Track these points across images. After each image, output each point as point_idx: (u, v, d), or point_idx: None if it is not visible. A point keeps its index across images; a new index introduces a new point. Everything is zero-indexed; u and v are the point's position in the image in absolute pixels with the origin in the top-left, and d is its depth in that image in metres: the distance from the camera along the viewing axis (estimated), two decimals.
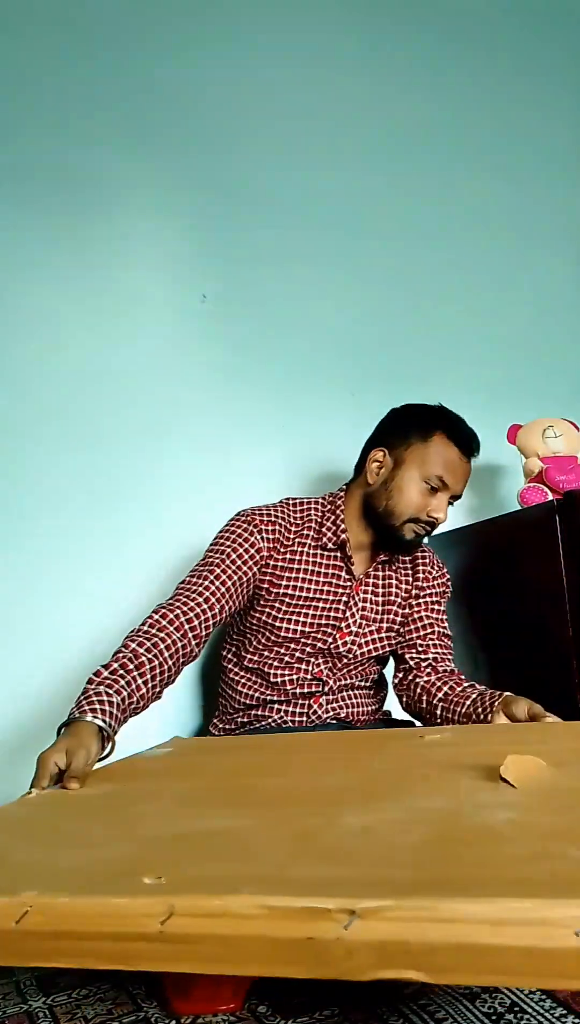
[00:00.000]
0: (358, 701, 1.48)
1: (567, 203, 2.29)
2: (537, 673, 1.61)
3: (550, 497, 1.65)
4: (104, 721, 1.09)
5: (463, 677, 1.45)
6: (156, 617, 1.28)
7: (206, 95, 1.93)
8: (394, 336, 2.02)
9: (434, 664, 1.47)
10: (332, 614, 1.42)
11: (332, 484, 1.89)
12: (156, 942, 0.53)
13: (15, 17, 1.76)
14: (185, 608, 1.29)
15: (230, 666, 1.49)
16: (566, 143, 2.33)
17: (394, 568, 1.49)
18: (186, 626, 1.27)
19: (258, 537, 1.39)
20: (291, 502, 1.47)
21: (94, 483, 1.69)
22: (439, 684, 1.42)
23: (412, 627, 1.48)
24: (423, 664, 1.46)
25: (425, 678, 1.45)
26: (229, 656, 1.50)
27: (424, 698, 1.43)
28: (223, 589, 1.33)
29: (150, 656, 1.22)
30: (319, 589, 1.41)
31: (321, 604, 1.41)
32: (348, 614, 1.43)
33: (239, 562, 1.36)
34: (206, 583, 1.33)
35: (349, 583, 1.43)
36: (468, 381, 2.07)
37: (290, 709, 1.43)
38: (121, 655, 1.21)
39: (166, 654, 1.24)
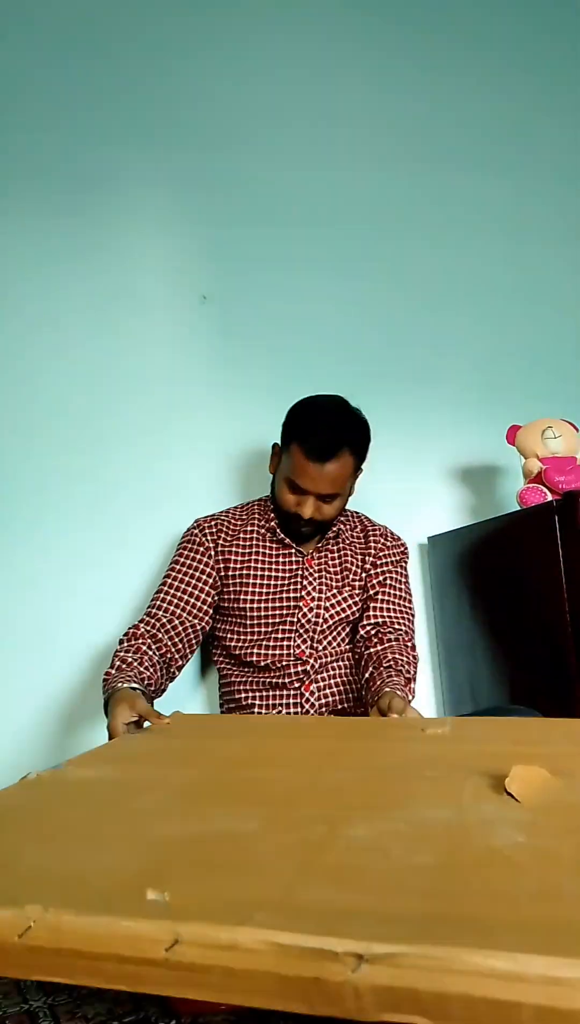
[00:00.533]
0: (342, 680, 1.52)
1: (567, 203, 2.30)
2: (537, 673, 1.61)
3: (549, 498, 1.66)
4: (138, 686, 1.27)
5: (402, 651, 1.48)
6: (124, 640, 1.42)
7: (207, 95, 1.93)
8: (394, 336, 2.03)
9: (379, 634, 1.51)
10: (290, 585, 1.51)
11: None
12: (161, 968, 0.52)
13: (17, 17, 1.77)
14: (148, 626, 1.45)
15: (221, 663, 1.56)
16: (566, 143, 2.33)
17: (345, 541, 1.58)
18: (154, 640, 1.43)
19: (204, 536, 1.54)
20: (237, 505, 1.64)
21: (94, 482, 1.70)
22: (380, 651, 1.48)
23: (368, 597, 1.55)
24: (371, 635, 1.51)
25: (371, 649, 1.49)
26: (219, 654, 1.57)
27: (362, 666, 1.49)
28: (179, 594, 1.49)
29: (141, 656, 1.37)
30: (271, 565, 1.52)
31: (277, 578, 1.52)
32: (305, 583, 1.52)
33: (191, 563, 1.52)
34: (161, 596, 1.49)
35: (299, 558, 1.53)
36: (468, 381, 2.07)
37: (284, 701, 1.48)
38: (115, 658, 1.37)
39: (155, 657, 1.40)
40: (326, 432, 1.42)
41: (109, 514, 1.70)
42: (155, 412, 1.77)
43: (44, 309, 1.72)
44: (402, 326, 2.04)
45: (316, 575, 1.53)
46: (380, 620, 1.53)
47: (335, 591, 1.54)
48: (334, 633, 1.53)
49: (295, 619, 1.50)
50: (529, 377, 2.12)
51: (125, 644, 1.41)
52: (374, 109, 2.11)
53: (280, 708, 1.48)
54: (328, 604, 1.52)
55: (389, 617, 1.53)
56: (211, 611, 1.51)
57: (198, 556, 1.52)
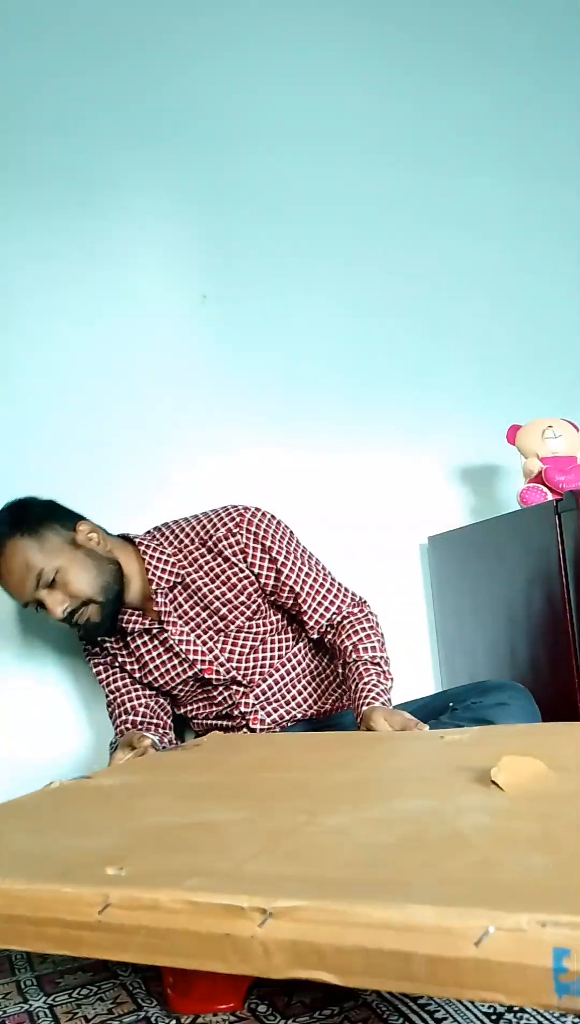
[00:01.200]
0: (292, 691, 1.43)
1: (567, 203, 2.29)
2: (538, 673, 1.61)
3: (550, 497, 1.66)
4: (149, 735, 1.29)
5: (354, 622, 1.37)
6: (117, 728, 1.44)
7: (207, 95, 1.93)
8: (394, 336, 2.03)
9: (326, 625, 1.39)
10: (165, 660, 1.41)
11: (330, 483, 1.90)
12: (97, 931, 0.56)
13: (18, 18, 1.77)
14: (122, 719, 1.44)
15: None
16: (566, 142, 2.33)
17: (190, 574, 1.38)
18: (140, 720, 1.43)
19: (98, 657, 1.49)
20: None
21: (94, 482, 1.69)
22: (339, 644, 1.37)
23: (285, 600, 1.39)
24: (320, 630, 1.40)
25: (331, 639, 1.40)
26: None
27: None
28: (122, 697, 1.46)
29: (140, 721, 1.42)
30: (142, 657, 1.43)
31: (149, 659, 1.42)
32: (180, 649, 1.39)
33: (101, 672, 1.48)
34: (111, 701, 1.48)
35: (154, 626, 1.40)
36: (468, 381, 2.07)
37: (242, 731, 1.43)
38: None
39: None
40: None
41: (108, 514, 1.70)
42: (155, 412, 1.77)
43: (44, 309, 1.72)
44: (402, 326, 2.04)
45: (187, 639, 1.38)
46: (309, 612, 1.38)
47: (222, 640, 1.39)
48: (252, 663, 1.41)
49: (208, 691, 1.42)
50: (529, 377, 2.12)
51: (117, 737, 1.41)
52: (374, 109, 2.11)
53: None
54: (228, 658, 1.39)
55: (313, 606, 1.37)
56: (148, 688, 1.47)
57: (109, 672, 1.48)
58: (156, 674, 1.42)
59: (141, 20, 1.89)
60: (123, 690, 1.45)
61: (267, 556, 1.36)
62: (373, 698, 1.24)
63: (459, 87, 2.21)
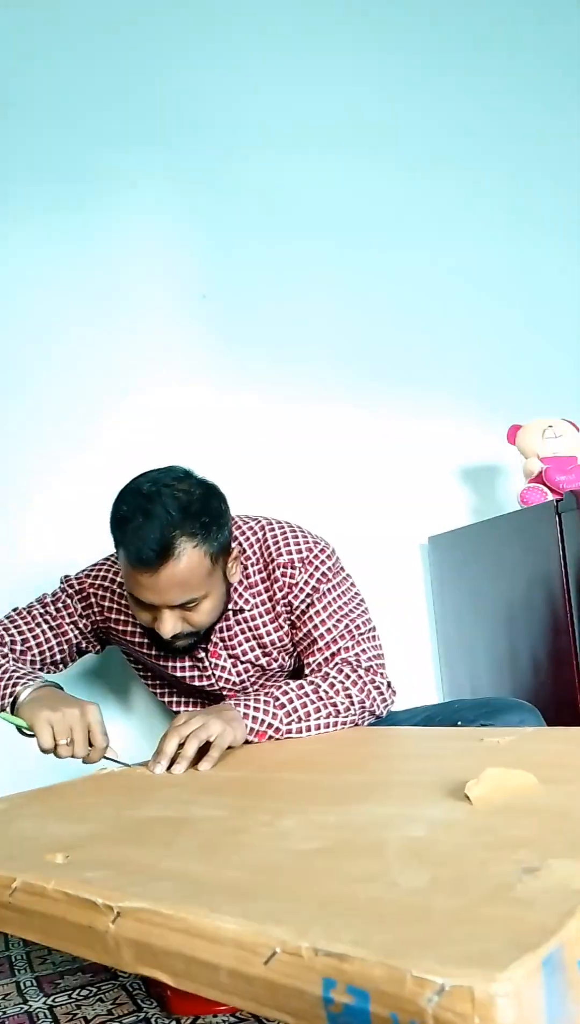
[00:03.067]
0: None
1: (568, 203, 2.29)
2: (538, 673, 1.61)
3: (550, 497, 1.65)
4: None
5: (332, 674, 1.19)
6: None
7: (207, 94, 1.93)
8: (394, 336, 2.02)
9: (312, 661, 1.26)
10: (200, 685, 1.28)
11: (330, 484, 1.89)
12: (9, 910, 0.62)
13: (15, 15, 1.76)
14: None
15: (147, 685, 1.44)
16: (567, 142, 2.33)
17: (249, 601, 1.24)
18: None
19: (89, 607, 1.33)
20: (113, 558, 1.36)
21: (93, 482, 1.69)
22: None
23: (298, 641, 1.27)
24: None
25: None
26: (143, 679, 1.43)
27: None
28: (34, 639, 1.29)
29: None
30: (173, 665, 1.29)
31: (183, 676, 1.28)
32: (220, 682, 1.27)
33: (48, 620, 1.31)
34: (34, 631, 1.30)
35: (201, 657, 1.26)
36: (468, 382, 2.07)
37: None
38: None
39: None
40: (147, 527, 1.07)
41: (106, 514, 1.70)
42: (154, 411, 1.77)
43: (43, 308, 1.72)
44: (402, 326, 2.04)
45: (227, 665, 1.27)
46: (302, 648, 1.26)
47: (256, 673, 1.29)
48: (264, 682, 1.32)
49: (213, 699, 1.30)
50: (529, 377, 2.12)
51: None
52: (374, 110, 2.11)
53: None
54: (249, 686, 1.29)
55: (310, 645, 1.24)
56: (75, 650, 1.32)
57: (59, 618, 1.29)
58: (165, 674, 1.33)
59: (141, 19, 1.88)
60: (53, 640, 1.28)
61: (307, 594, 1.23)
62: (242, 703, 1.11)
63: (459, 87, 2.21)
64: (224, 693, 1.29)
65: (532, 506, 1.64)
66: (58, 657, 1.30)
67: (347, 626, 1.23)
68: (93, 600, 1.30)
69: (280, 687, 1.14)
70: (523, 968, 0.37)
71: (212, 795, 0.88)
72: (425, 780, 0.81)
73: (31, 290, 1.72)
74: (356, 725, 1.18)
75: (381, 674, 1.23)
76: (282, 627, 1.26)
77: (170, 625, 1.12)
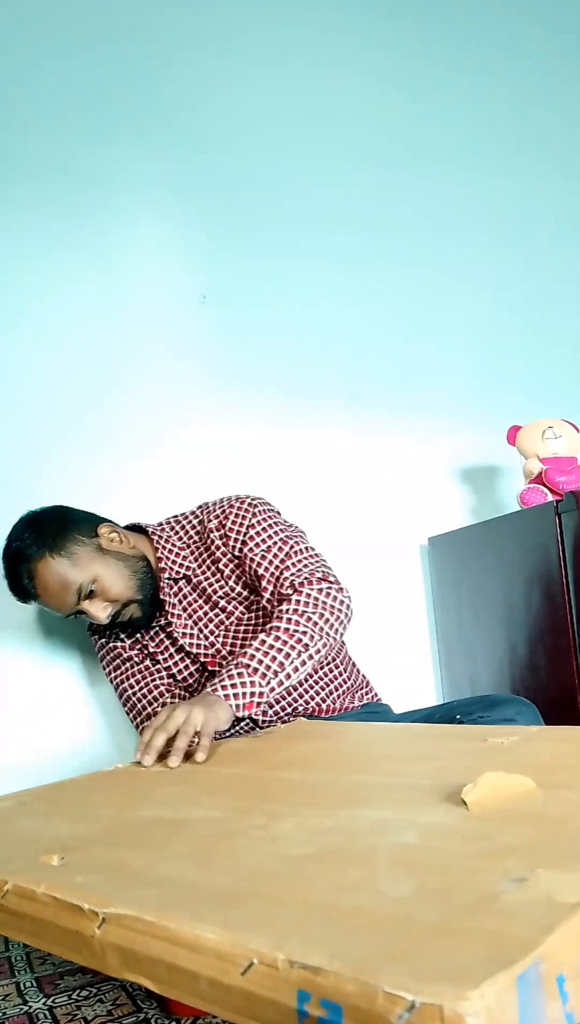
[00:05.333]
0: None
1: (569, 202, 2.29)
2: (538, 673, 1.61)
3: (550, 498, 1.65)
4: None
5: (299, 597, 1.25)
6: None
7: (207, 95, 1.93)
8: (394, 337, 2.02)
9: (277, 596, 1.32)
10: (182, 669, 1.41)
11: (330, 485, 1.90)
12: (1, 912, 0.63)
13: (16, 16, 1.76)
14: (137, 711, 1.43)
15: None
16: (566, 142, 2.33)
17: (188, 558, 1.39)
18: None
19: (105, 652, 1.47)
20: None
21: (92, 483, 1.69)
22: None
23: (251, 578, 1.36)
24: (272, 602, 1.35)
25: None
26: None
27: None
28: (125, 688, 1.44)
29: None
30: (154, 664, 1.42)
31: (170, 669, 1.41)
32: (187, 647, 1.39)
33: (111, 672, 1.47)
34: (124, 700, 1.45)
35: (161, 619, 1.41)
36: (468, 382, 2.07)
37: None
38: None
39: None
40: (9, 572, 1.32)
41: (107, 514, 1.70)
42: (154, 412, 1.77)
43: (43, 308, 1.72)
44: (402, 326, 2.04)
45: (187, 632, 1.40)
46: (263, 582, 1.32)
47: (219, 626, 1.39)
48: (245, 638, 1.39)
49: (206, 675, 1.40)
50: (529, 377, 2.12)
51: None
52: (373, 108, 2.11)
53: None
54: (225, 642, 1.39)
55: (266, 577, 1.32)
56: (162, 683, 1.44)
57: (107, 664, 1.47)
58: (164, 668, 1.42)
59: (141, 20, 1.88)
60: (137, 685, 1.43)
61: (242, 535, 1.35)
62: (217, 685, 1.15)
63: (460, 85, 2.21)
64: (202, 661, 1.38)
65: (532, 507, 1.64)
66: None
67: (282, 548, 1.32)
68: (97, 641, 1.48)
69: (246, 652, 1.18)
70: (496, 985, 0.36)
71: (212, 795, 0.88)
72: (424, 783, 0.81)
73: (30, 290, 1.72)
74: (334, 641, 1.26)
75: (328, 580, 1.28)
76: (227, 579, 1.36)
77: (97, 611, 1.30)
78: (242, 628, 1.40)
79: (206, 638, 1.39)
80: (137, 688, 1.43)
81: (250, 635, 1.38)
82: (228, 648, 1.39)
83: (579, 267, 2.28)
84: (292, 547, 1.33)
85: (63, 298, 1.73)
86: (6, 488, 1.64)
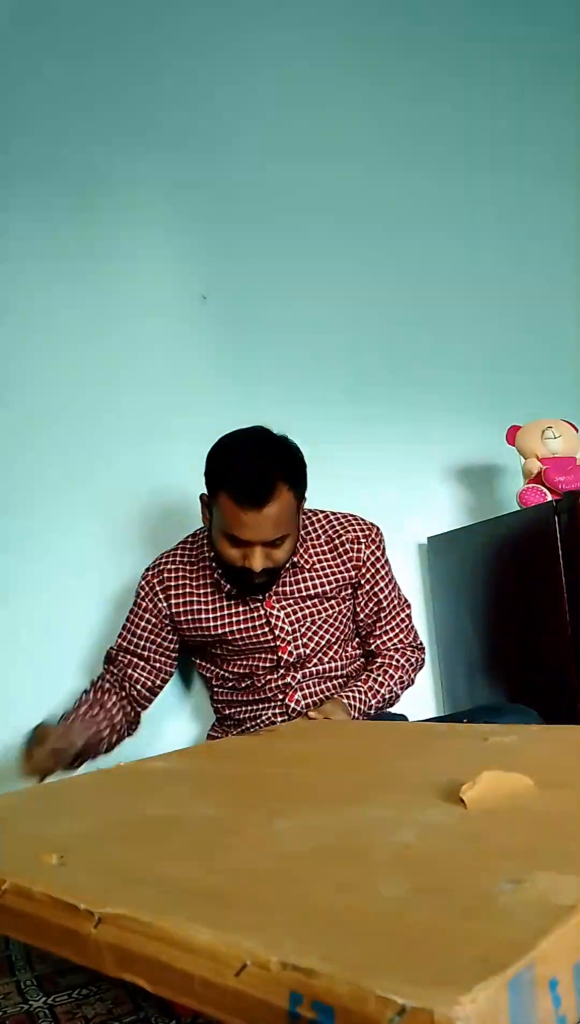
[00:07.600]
0: (331, 684, 1.46)
1: (568, 203, 2.29)
2: (537, 673, 1.61)
3: (549, 498, 1.66)
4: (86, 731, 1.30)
5: (397, 658, 1.48)
6: (92, 694, 1.43)
7: (207, 94, 1.93)
8: (393, 337, 2.03)
9: (385, 646, 1.50)
10: (256, 632, 1.42)
11: (329, 485, 1.89)
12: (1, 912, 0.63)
13: (16, 15, 1.76)
14: (118, 681, 1.46)
15: (208, 678, 1.53)
16: (566, 142, 2.33)
17: (308, 563, 1.45)
18: (120, 688, 1.45)
19: (157, 599, 1.45)
20: (192, 537, 1.51)
21: (93, 483, 1.70)
22: (376, 661, 1.49)
23: (365, 612, 1.50)
24: (371, 647, 1.51)
25: (376, 654, 1.50)
26: (205, 673, 1.53)
27: None
28: (144, 656, 1.46)
29: (99, 710, 1.39)
30: (230, 618, 1.43)
31: (240, 629, 1.43)
32: (272, 627, 1.42)
33: (141, 621, 1.46)
34: (130, 657, 1.46)
35: (258, 602, 1.43)
36: (467, 382, 2.07)
37: (268, 711, 1.45)
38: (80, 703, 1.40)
39: (114, 710, 1.41)
40: (253, 471, 1.26)
41: (108, 514, 1.71)
42: (155, 412, 1.78)
43: (44, 309, 1.72)
44: (402, 326, 2.04)
45: (281, 615, 1.43)
46: (380, 629, 1.50)
47: (309, 623, 1.44)
48: (319, 655, 1.46)
49: (270, 661, 1.43)
50: (529, 377, 2.12)
51: (88, 701, 1.41)
52: (373, 108, 2.11)
53: (261, 716, 1.45)
54: (306, 640, 1.44)
55: (385, 626, 1.50)
56: (174, 653, 1.48)
57: (146, 615, 1.46)
58: (219, 624, 1.42)
59: (140, 19, 1.88)
60: (141, 645, 1.45)
61: (372, 570, 1.47)
62: (346, 695, 1.39)
63: (459, 86, 2.21)
64: (277, 644, 1.42)
65: (531, 506, 1.64)
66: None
67: (400, 595, 1.52)
68: (165, 590, 1.45)
69: (369, 684, 1.42)
70: (487, 989, 0.36)
71: (212, 794, 0.89)
72: (424, 781, 0.82)
73: (30, 291, 1.72)
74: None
75: (422, 649, 1.55)
76: (339, 584, 1.45)
77: (260, 560, 1.30)
78: (326, 627, 1.46)
79: (292, 624, 1.43)
80: (138, 647, 1.46)
81: (327, 639, 1.45)
82: (304, 640, 1.44)
83: (578, 266, 2.28)
84: (404, 600, 1.53)
85: (63, 298, 1.74)
86: (6, 488, 1.64)
